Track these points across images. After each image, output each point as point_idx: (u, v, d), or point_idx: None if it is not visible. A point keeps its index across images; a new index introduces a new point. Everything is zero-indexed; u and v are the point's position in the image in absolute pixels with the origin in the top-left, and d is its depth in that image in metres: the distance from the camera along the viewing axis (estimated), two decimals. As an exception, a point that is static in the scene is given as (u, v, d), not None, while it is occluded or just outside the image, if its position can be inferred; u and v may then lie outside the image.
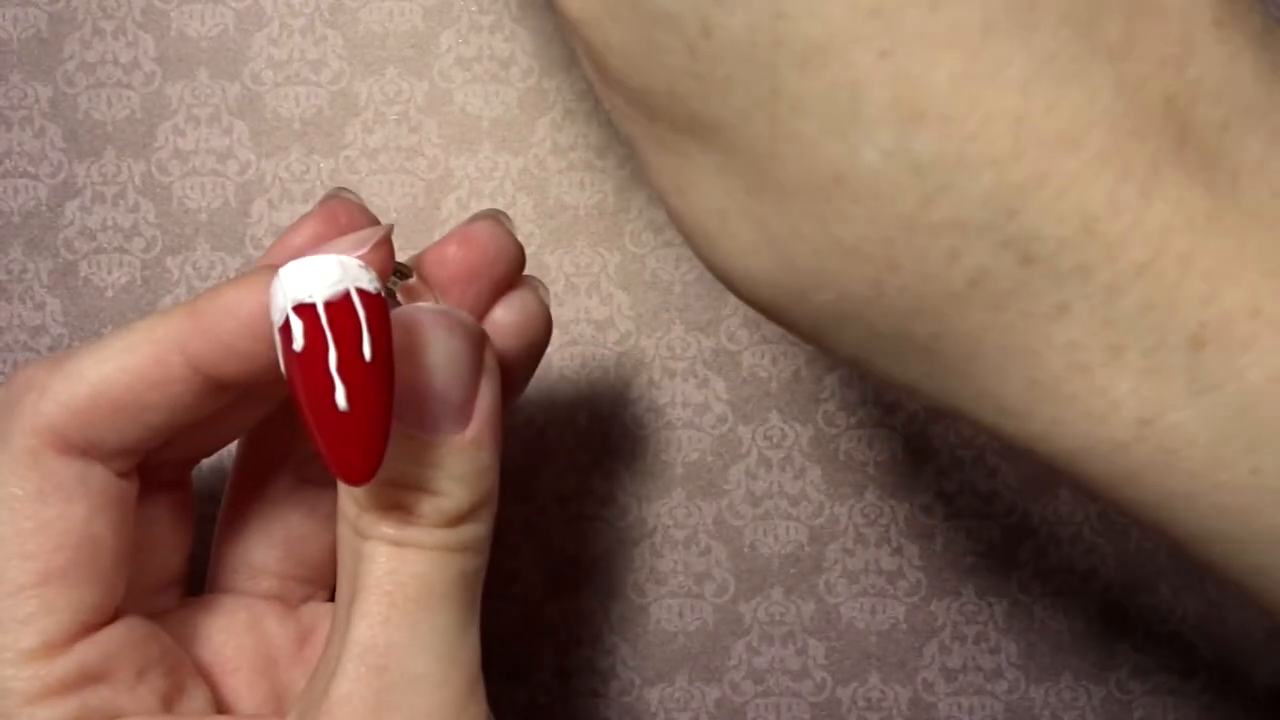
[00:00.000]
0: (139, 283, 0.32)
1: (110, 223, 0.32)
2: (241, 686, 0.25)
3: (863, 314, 0.17)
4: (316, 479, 0.27)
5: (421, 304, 0.23)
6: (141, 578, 0.24)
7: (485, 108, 0.32)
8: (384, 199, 0.32)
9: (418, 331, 0.22)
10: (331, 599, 0.27)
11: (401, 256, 0.23)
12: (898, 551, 0.33)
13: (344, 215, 0.24)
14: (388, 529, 0.22)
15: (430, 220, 0.32)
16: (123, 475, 0.23)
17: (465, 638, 0.22)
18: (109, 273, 0.32)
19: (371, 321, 0.20)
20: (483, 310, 0.24)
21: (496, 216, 0.25)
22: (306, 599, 0.27)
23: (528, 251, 0.32)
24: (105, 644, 0.22)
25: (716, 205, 0.17)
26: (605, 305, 0.32)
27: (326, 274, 0.20)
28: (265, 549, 0.27)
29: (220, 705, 0.25)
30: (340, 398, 0.20)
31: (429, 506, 0.22)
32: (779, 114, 0.16)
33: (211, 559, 0.27)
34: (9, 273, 0.32)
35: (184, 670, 0.24)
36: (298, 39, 0.31)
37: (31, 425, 0.22)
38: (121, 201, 0.32)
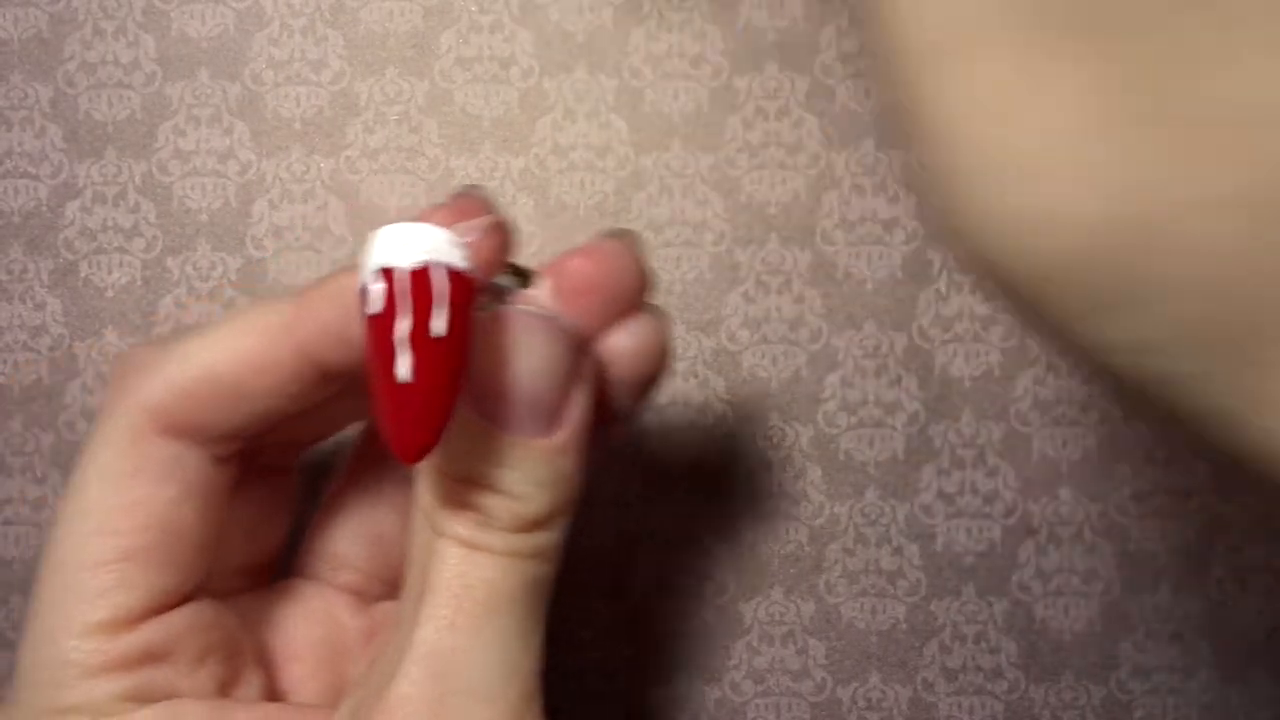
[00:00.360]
0: (139, 283, 0.32)
1: (110, 223, 0.32)
2: (305, 673, 0.25)
3: (1210, 278, 0.14)
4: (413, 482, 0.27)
5: (527, 306, 0.22)
6: (230, 558, 0.24)
7: (485, 108, 0.32)
8: (384, 199, 0.32)
9: (516, 330, 0.21)
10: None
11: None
12: (898, 551, 0.33)
13: (472, 212, 0.23)
14: (461, 528, 0.21)
15: (430, 220, 0.32)
16: (221, 461, 0.23)
17: (528, 646, 0.22)
18: (109, 273, 0.32)
19: (453, 298, 0.20)
20: (598, 330, 0.23)
21: (628, 238, 0.24)
22: (383, 598, 0.27)
23: (527, 251, 0.32)
24: (171, 626, 0.23)
25: (1074, 125, 0.14)
26: (605, 305, 0.32)
27: (418, 242, 0.20)
28: (352, 542, 0.27)
29: (279, 690, 0.25)
30: (404, 367, 0.19)
31: (504, 509, 0.21)
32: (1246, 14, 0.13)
33: (302, 542, 0.27)
34: (9, 273, 0.32)
35: (244, 656, 0.24)
36: (298, 39, 0.31)
37: (137, 403, 0.22)
38: (122, 201, 0.32)
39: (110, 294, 0.32)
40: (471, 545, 0.21)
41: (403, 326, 0.19)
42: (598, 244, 0.24)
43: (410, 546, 0.22)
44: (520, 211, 0.32)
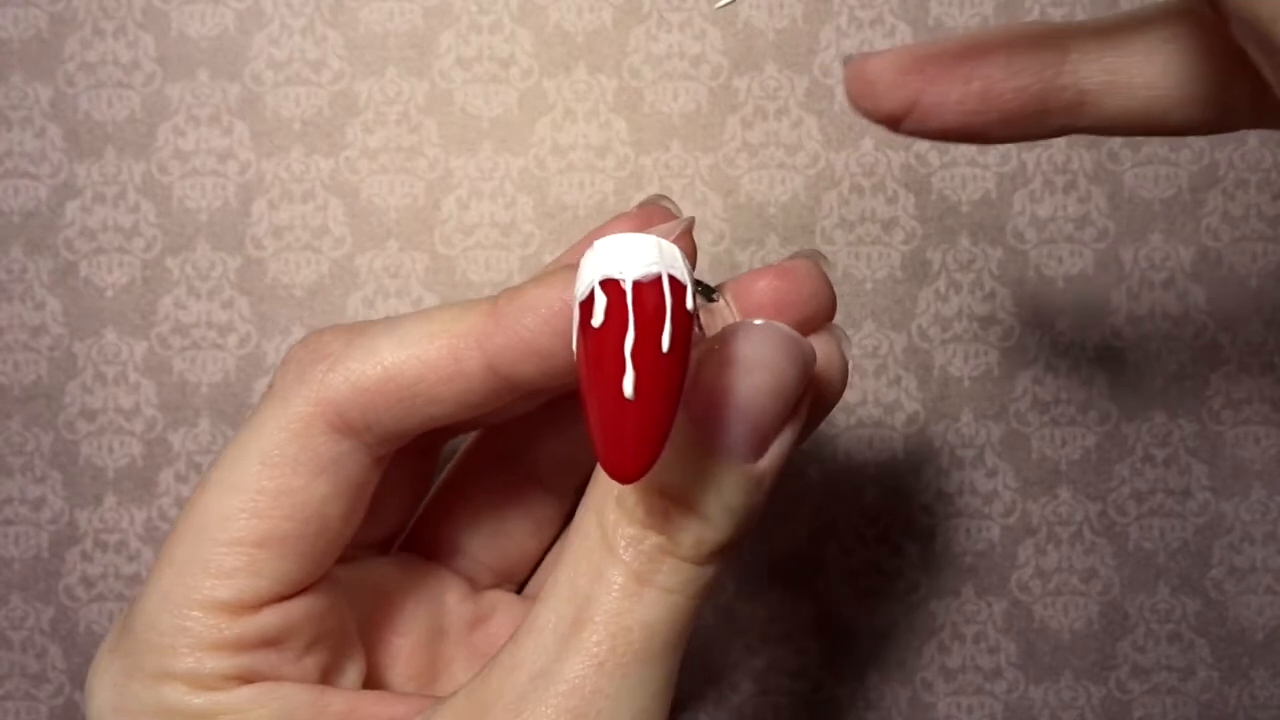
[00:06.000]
0: (139, 283, 0.32)
1: (110, 223, 0.32)
2: (403, 650, 0.25)
3: None
4: (549, 483, 0.26)
5: (769, 321, 0.21)
6: (357, 535, 0.24)
7: (485, 108, 0.32)
8: (384, 199, 0.32)
9: (758, 344, 0.21)
10: (517, 592, 0.28)
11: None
12: (898, 551, 0.33)
13: (660, 221, 0.23)
14: (635, 556, 0.21)
15: (430, 220, 0.32)
16: (378, 460, 0.23)
17: (666, 693, 0.22)
18: (109, 273, 0.32)
19: (676, 311, 0.19)
20: None
21: (816, 258, 0.24)
22: (492, 587, 0.27)
23: (527, 252, 0.32)
24: (290, 614, 0.23)
25: None
26: (605, 305, 0.32)
27: (643, 253, 0.19)
28: (471, 531, 0.27)
29: (374, 665, 0.25)
30: (628, 384, 0.18)
31: (690, 532, 0.21)
32: None
33: (417, 518, 0.27)
34: (9, 273, 0.32)
35: (348, 645, 0.24)
36: (298, 39, 0.31)
37: (315, 394, 0.22)
38: (122, 201, 0.32)
39: (110, 294, 0.32)
40: (642, 580, 0.21)
41: (629, 341, 0.19)
42: (788, 263, 0.23)
43: (572, 554, 0.22)
44: (520, 212, 0.32)
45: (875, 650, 0.33)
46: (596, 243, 0.19)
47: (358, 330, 0.23)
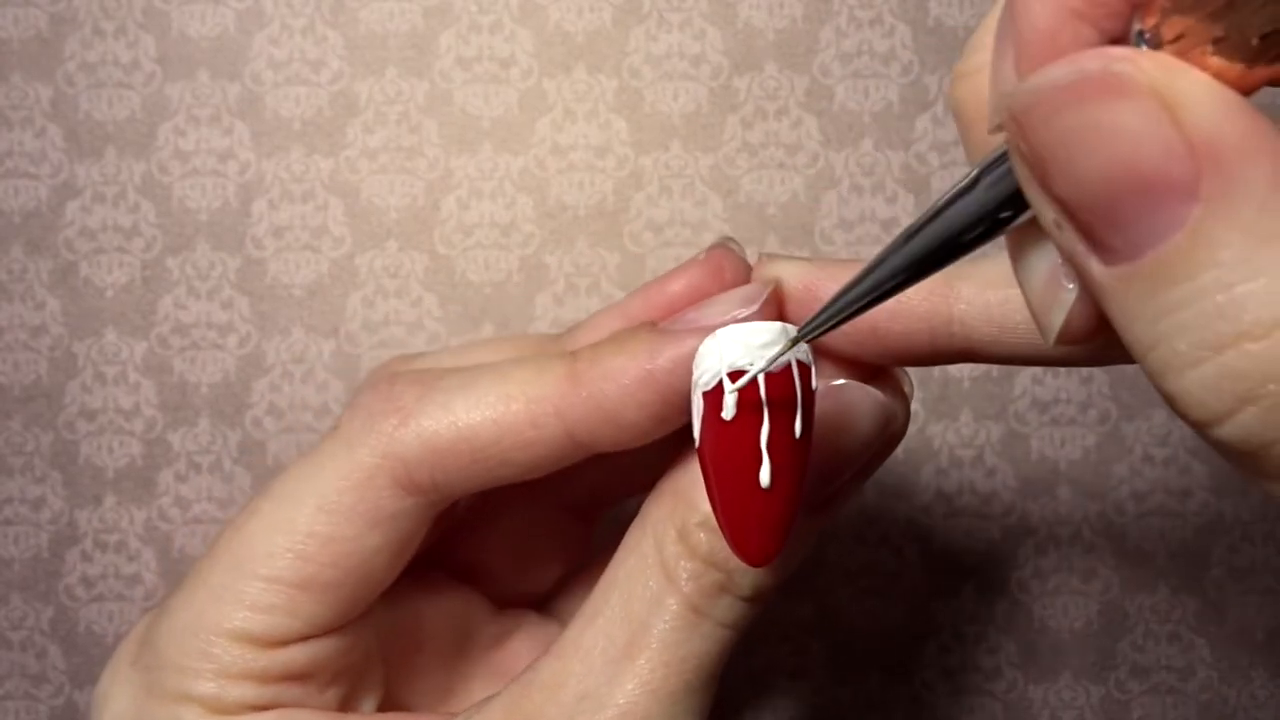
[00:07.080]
0: (139, 283, 0.32)
1: (110, 223, 0.32)
2: (424, 666, 0.25)
3: None
4: (578, 509, 0.26)
5: (854, 384, 0.22)
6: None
7: (485, 108, 0.32)
8: (384, 199, 0.32)
9: (842, 410, 0.21)
10: (539, 613, 0.28)
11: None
12: (898, 551, 0.33)
13: (729, 269, 0.23)
14: (694, 589, 0.21)
15: (430, 220, 0.32)
16: (433, 516, 0.23)
17: (706, 717, 0.22)
18: (109, 273, 0.32)
19: (805, 396, 0.19)
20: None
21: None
22: (519, 605, 0.27)
23: (527, 252, 0.32)
24: (316, 652, 0.22)
25: None
26: (604, 305, 0.32)
27: (771, 343, 0.19)
28: (498, 553, 0.27)
29: (395, 681, 0.25)
30: (765, 475, 0.19)
31: (749, 576, 0.21)
32: None
33: (449, 539, 0.27)
34: (9, 273, 0.32)
35: (369, 676, 0.24)
36: (298, 39, 0.31)
37: (384, 447, 0.22)
38: (122, 201, 0.32)
39: (110, 294, 0.32)
40: (699, 612, 0.21)
41: (764, 434, 0.19)
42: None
43: (626, 576, 0.22)
44: (520, 212, 0.32)
45: (875, 650, 0.33)
46: (719, 331, 0.19)
47: (430, 382, 0.22)
